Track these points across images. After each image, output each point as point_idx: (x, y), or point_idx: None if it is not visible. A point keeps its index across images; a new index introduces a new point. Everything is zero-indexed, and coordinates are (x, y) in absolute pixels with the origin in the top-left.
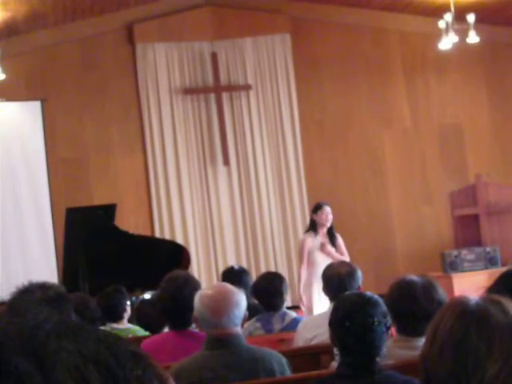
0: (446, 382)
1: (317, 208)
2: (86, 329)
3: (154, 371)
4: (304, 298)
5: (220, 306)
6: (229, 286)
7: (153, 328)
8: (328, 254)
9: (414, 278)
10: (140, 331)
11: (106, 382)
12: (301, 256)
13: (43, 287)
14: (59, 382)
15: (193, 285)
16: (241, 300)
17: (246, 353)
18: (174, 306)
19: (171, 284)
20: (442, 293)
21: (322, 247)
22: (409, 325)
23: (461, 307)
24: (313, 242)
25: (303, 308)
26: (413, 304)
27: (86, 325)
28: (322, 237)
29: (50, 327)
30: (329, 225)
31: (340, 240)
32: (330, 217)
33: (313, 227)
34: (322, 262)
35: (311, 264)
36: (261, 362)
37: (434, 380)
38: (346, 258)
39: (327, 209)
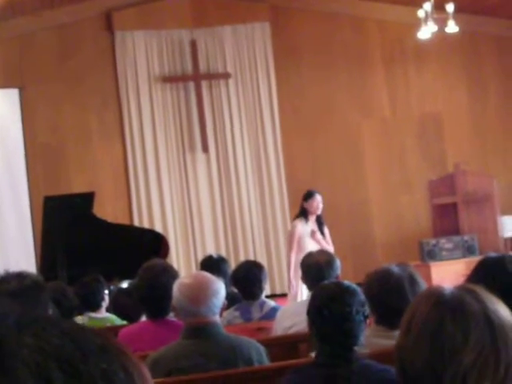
0: (422, 371)
1: (308, 196)
2: (50, 322)
3: (120, 364)
4: (294, 285)
5: (198, 294)
6: (207, 274)
7: (129, 317)
8: (317, 242)
9: (395, 269)
10: (118, 320)
11: (69, 379)
12: (291, 241)
13: (20, 276)
14: (20, 380)
15: (170, 273)
16: (219, 289)
17: (224, 342)
18: (152, 294)
19: (149, 272)
20: (423, 285)
21: (313, 234)
22: (389, 317)
23: (436, 296)
24: (303, 228)
25: (292, 291)
26: (393, 297)
27: (50, 317)
28: (311, 224)
29: (11, 322)
30: (319, 213)
31: (327, 230)
32: (321, 205)
33: (303, 214)
34: (313, 248)
35: (301, 250)
36: (239, 350)
37: (410, 370)
38: (331, 248)
39: (318, 197)
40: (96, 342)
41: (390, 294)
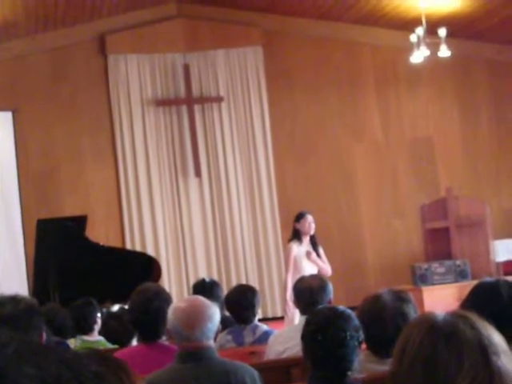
0: None
1: (299, 217)
2: (48, 350)
3: None
4: (291, 306)
5: (193, 319)
6: (203, 299)
7: (119, 341)
8: (313, 262)
9: (384, 298)
10: (110, 344)
11: None
12: (287, 263)
13: (14, 300)
14: None
15: (163, 297)
16: (214, 314)
17: (218, 366)
18: (144, 317)
19: (141, 296)
20: (414, 315)
21: (309, 255)
22: (380, 347)
23: (429, 323)
24: (298, 249)
25: (289, 313)
26: (384, 329)
27: (47, 346)
28: (305, 245)
29: (11, 352)
30: (311, 233)
31: (321, 250)
32: (313, 225)
33: (296, 236)
34: (310, 270)
35: (298, 272)
36: (233, 375)
37: None
38: (328, 268)
39: (309, 217)
40: (92, 369)
41: (372, 323)
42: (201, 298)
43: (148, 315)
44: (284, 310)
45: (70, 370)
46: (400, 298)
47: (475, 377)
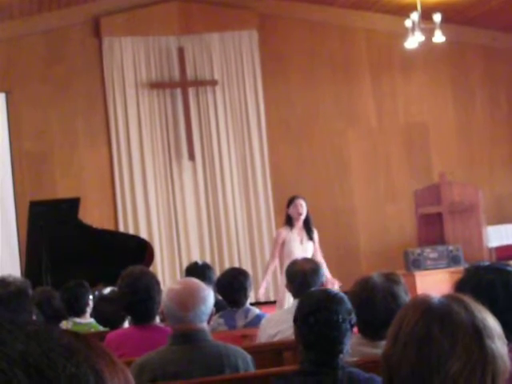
0: (409, 379)
1: (290, 201)
2: (16, 325)
3: (90, 366)
4: (281, 295)
5: (187, 301)
6: (197, 281)
7: (111, 324)
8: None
9: (374, 280)
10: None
11: None
12: (273, 248)
13: (4, 282)
14: None
15: (149, 276)
16: (208, 296)
17: (210, 349)
18: (135, 298)
19: (127, 279)
20: (405, 296)
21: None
22: (371, 330)
23: (424, 305)
24: (288, 235)
25: (261, 293)
26: (374, 312)
27: (15, 320)
28: (298, 230)
29: None
30: (302, 217)
31: (316, 236)
32: (302, 209)
33: (288, 221)
34: (300, 255)
35: (287, 257)
36: (226, 358)
37: (397, 378)
38: (319, 254)
39: (298, 201)
40: (63, 344)
41: (362, 305)
42: (195, 281)
43: (137, 296)
44: (257, 292)
45: (39, 345)
46: (390, 279)
47: (468, 359)
